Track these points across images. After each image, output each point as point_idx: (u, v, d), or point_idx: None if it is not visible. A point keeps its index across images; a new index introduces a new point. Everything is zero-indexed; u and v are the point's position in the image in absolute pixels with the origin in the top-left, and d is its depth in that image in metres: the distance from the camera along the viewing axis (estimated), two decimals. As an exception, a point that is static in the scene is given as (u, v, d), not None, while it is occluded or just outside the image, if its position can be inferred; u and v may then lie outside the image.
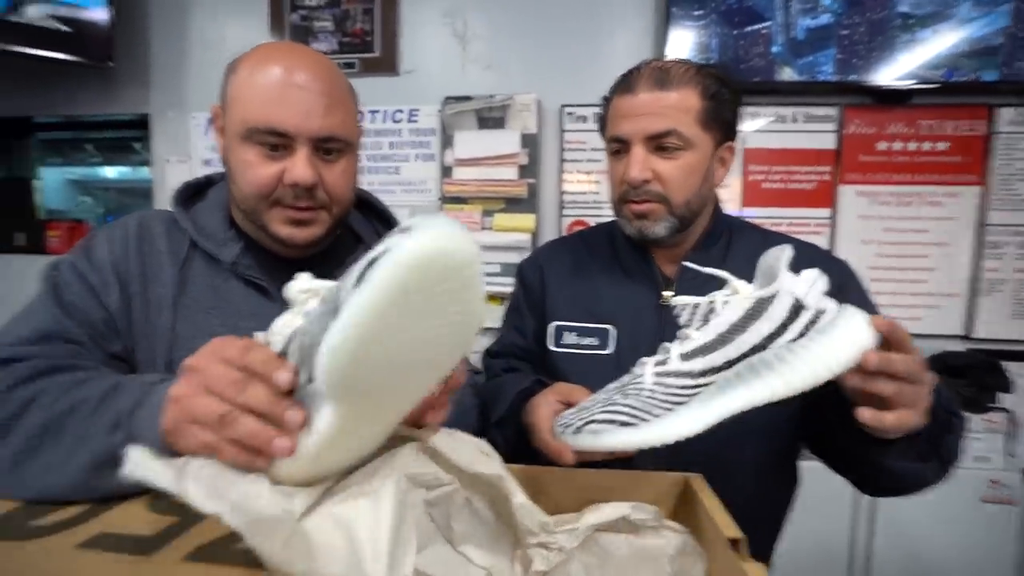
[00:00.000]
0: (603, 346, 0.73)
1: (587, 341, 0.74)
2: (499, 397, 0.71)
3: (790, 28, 1.56)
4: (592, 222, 1.72)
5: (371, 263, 0.27)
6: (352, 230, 0.72)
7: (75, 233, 1.97)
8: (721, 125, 0.70)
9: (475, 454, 0.41)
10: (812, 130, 1.64)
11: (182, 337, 0.59)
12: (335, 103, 0.58)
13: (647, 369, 0.47)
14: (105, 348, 0.58)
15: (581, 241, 0.85)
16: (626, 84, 0.71)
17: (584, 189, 1.73)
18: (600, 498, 0.48)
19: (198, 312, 0.61)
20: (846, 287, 0.69)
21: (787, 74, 1.58)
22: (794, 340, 0.45)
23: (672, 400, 0.45)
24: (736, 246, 0.75)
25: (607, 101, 0.76)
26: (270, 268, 0.63)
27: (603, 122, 0.77)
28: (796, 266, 0.60)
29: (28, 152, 2.00)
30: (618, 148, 0.71)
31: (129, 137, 1.94)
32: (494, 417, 0.70)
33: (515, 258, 1.71)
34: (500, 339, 0.87)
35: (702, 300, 0.47)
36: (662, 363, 0.47)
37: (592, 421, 0.48)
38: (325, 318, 0.30)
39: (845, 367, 0.44)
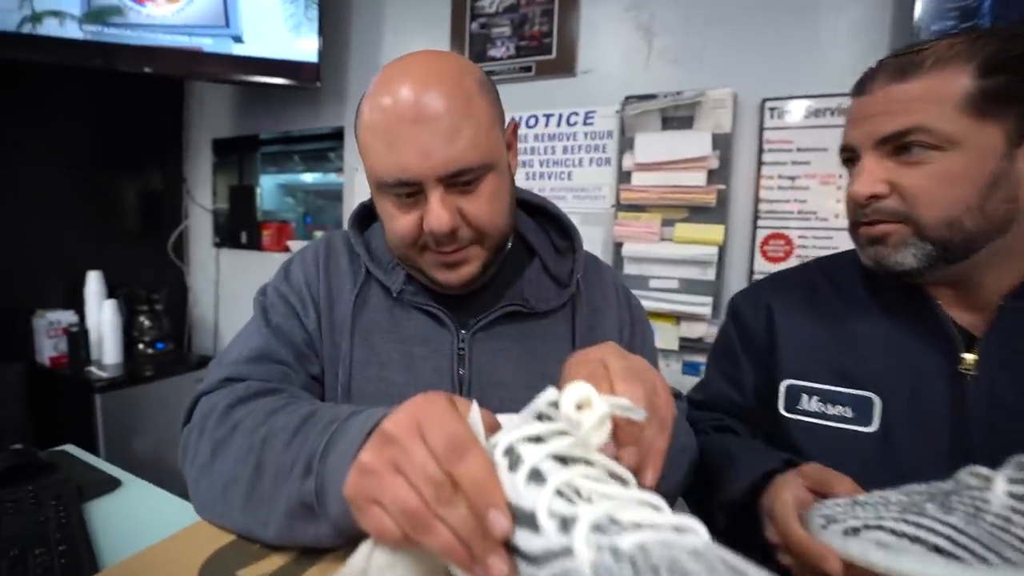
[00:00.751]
0: (863, 421, 0.57)
1: (837, 411, 0.58)
2: (729, 469, 0.56)
3: None
4: (794, 237, 1.46)
5: None
6: (525, 240, 0.66)
7: (282, 232, 2.25)
8: (1018, 106, 0.49)
9: None
10: None
11: (358, 362, 0.58)
12: (456, 127, 0.49)
13: (998, 486, 0.33)
14: (307, 369, 0.58)
15: (821, 273, 0.67)
16: (860, 82, 0.56)
17: (785, 197, 1.47)
18: None
19: (374, 335, 0.59)
20: None
21: None
22: None
23: None
24: None
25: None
26: (438, 296, 0.60)
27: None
28: None
29: (255, 164, 2.33)
30: (848, 160, 0.57)
31: (327, 148, 2.16)
32: (722, 495, 0.56)
33: (698, 274, 1.52)
34: (706, 386, 0.73)
35: None
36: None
37: (880, 527, 0.34)
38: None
39: None
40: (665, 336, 1.55)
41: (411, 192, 0.51)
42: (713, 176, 1.50)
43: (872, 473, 0.53)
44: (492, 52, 1.82)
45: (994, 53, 0.49)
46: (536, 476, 0.28)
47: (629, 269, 1.61)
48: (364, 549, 0.33)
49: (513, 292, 0.61)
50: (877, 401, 0.56)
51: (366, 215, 0.66)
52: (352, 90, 2.10)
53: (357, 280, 0.61)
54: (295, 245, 2.20)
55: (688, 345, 1.55)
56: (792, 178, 1.46)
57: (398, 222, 0.53)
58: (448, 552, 0.29)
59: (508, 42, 1.80)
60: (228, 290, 2.43)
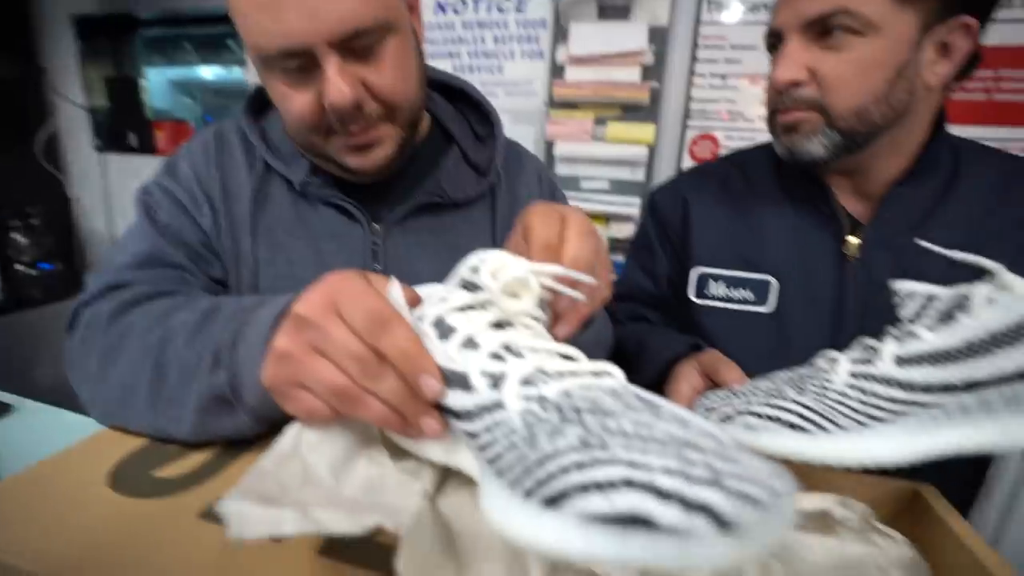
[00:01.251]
0: (760, 301, 0.60)
1: (739, 294, 0.61)
2: (642, 355, 0.58)
3: None
4: (722, 137, 1.48)
5: (637, 519, 0.16)
6: (442, 126, 0.61)
7: (179, 133, 1.99)
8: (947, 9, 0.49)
9: None
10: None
11: (263, 261, 0.54)
12: None
13: (840, 366, 0.36)
14: (206, 272, 0.53)
15: (735, 167, 0.68)
16: None
17: (716, 96, 1.46)
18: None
19: (278, 233, 0.55)
20: None
21: None
22: None
23: (869, 413, 0.33)
24: (966, 180, 0.55)
25: None
26: (348, 182, 0.54)
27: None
28: None
29: (134, 51, 1.99)
30: (773, 45, 0.55)
31: (224, 34, 1.87)
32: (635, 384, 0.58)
33: (627, 175, 1.52)
34: (625, 279, 0.74)
35: (944, 291, 0.34)
36: (864, 362, 0.35)
37: (749, 412, 0.37)
38: (526, 479, 0.20)
39: None
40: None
41: (301, 64, 0.44)
42: (647, 72, 1.46)
43: (768, 351, 0.58)
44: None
45: None
46: (470, 342, 0.28)
47: (561, 169, 1.57)
48: (292, 431, 0.31)
49: (430, 182, 0.57)
50: (774, 283, 0.59)
51: (261, 100, 0.58)
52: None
53: (255, 173, 0.55)
54: (195, 147, 1.96)
55: (617, 246, 1.58)
56: (723, 76, 1.45)
57: (293, 102, 0.46)
58: (382, 421, 0.29)
59: (430, -91, 1.58)
60: (121, 200, 2.16)
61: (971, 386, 0.31)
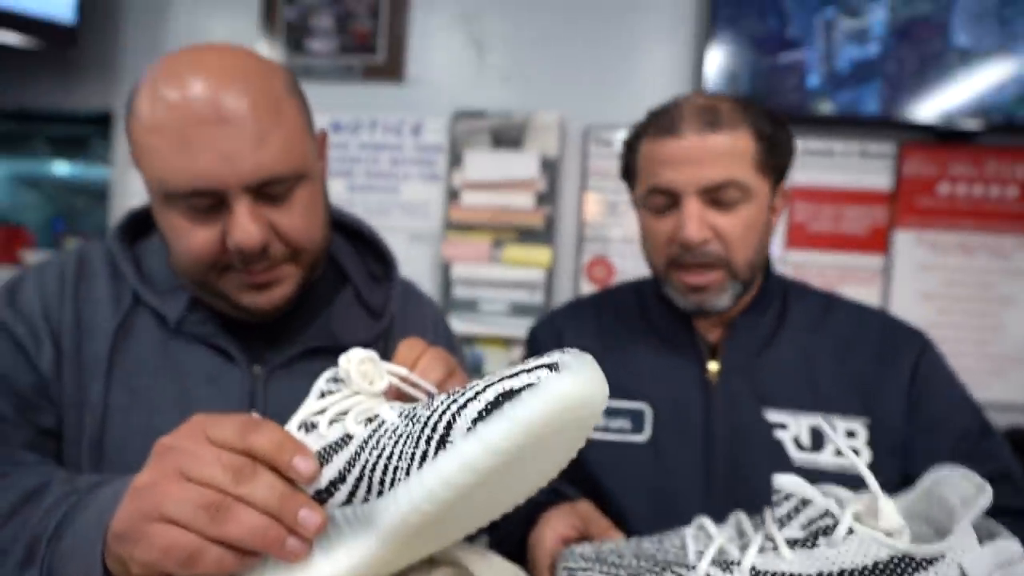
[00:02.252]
0: (636, 430, 0.63)
1: (617, 424, 0.63)
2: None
3: (831, 59, 1.40)
4: (615, 261, 1.52)
5: (503, 396, 0.25)
6: (337, 264, 0.60)
7: (13, 238, 1.70)
8: (775, 169, 0.61)
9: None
10: (866, 168, 1.47)
11: (116, 409, 0.49)
12: (264, 131, 0.44)
13: (703, 563, 0.36)
14: (35, 422, 0.48)
15: (606, 303, 0.75)
16: (667, 124, 0.59)
17: (608, 222, 1.52)
18: None
19: (141, 376, 0.50)
20: (932, 371, 0.63)
21: (826, 109, 1.42)
22: None
23: None
24: (793, 311, 0.66)
25: (632, 143, 0.64)
26: (229, 322, 0.52)
27: (629, 168, 0.65)
28: (876, 334, 0.64)
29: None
30: (663, 203, 0.59)
31: (87, 134, 1.70)
32: (500, 531, 0.55)
33: (526, 297, 1.50)
34: None
35: (818, 501, 0.34)
36: (725, 566, 0.35)
37: None
38: (420, 445, 0.27)
39: None
40: (495, 361, 1.49)
41: (209, 204, 0.44)
42: (541, 199, 1.50)
43: (645, 479, 0.61)
44: (312, 44, 1.61)
45: (762, 124, 0.59)
46: (332, 422, 0.32)
47: (459, 292, 1.52)
48: None
49: (319, 324, 0.55)
50: (648, 411, 0.63)
51: (137, 225, 0.56)
52: (125, 67, 1.68)
53: (121, 308, 0.51)
54: (33, 257, 1.66)
55: (520, 370, 1.51)
56: (614, 205, 1.52)
57: (192, 238, 0.45)
58: (258, 535, 0.28)
59: (330, 38, 1.62)
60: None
61: None
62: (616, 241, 1.52)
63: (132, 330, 0.51)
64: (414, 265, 1.55)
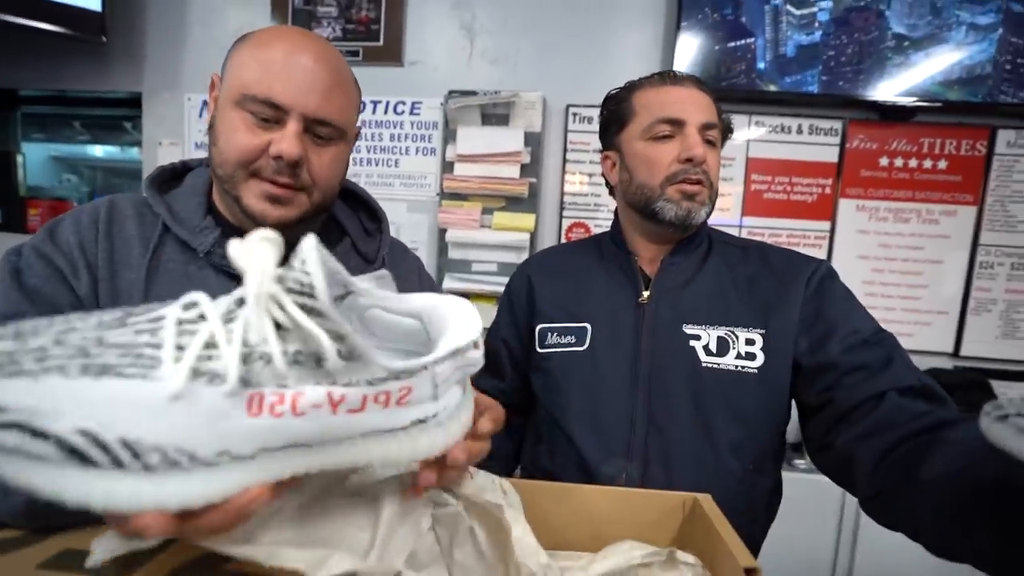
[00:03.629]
0: (579, 343, 0.75)
1: (566, 339, 0.76)
2: None
3: (779, 44, 1.56)
4: (592, 225, 1.71)
5: None
6: (338, 222, 0.70)
7: (57, 212, 1.90)
8: (723, 135, 0.76)
9: (485, 483, 0.40)
10: (816, 142, 1.64)
11: None
12: (336, 89, 0.57)
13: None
14: None
15: (568, 249, 0.89)
16: (669, 77, 0.74)
17: (585, 191, 1.71)
18: (602, 518, 0.47)
19: (170, 299, 0.57)
20: (824, 287, 0.71)
21: (772, 89, 1.59)
22: None
23: None
24: (715, 253, 0.77)
25: (624, 95, 0.77)
26: None
27: (619, 115, 0.77)
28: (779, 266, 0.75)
29: (12, 126, 1.93)
30: (668, 132, 0.72)
31: (120, 116, 1.88)
32: None
33: (513, 258, 1.69)
34: (487, 340, 0.86)
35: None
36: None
37: None
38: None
39: None
40: (485, 316, 1.69)
41: (269, 117, 0.54)
42: (525, 170, 1.68)
43: (583, 380, 0.73)
44: (318, 31, 1.77)
45: (717, 104, 0.75)
46: None
47: (453, 254, 1.72)
48: None
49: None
50: (589, 328, 0.75)
51: (167, 179, 0.64)
52: (150, 53, 1.86)
53: (149, 244, 0.58)
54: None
55: (507, 322, 1.72)
56: (590, 175, 1.71)
57: (243, 137, 0.55)
58: None
59: (335, 23, 1.78)
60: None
61: None
62: (593, 207, 1.71)
63: (160, 261, 0.58)
64: (413, 231, 1.75)
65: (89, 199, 1.92)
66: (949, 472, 0.46)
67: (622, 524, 0.48)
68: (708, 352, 0.69)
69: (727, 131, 0.77)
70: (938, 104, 1.54)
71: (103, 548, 0.28)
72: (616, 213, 0.83)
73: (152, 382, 0.24)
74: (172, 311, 0.27)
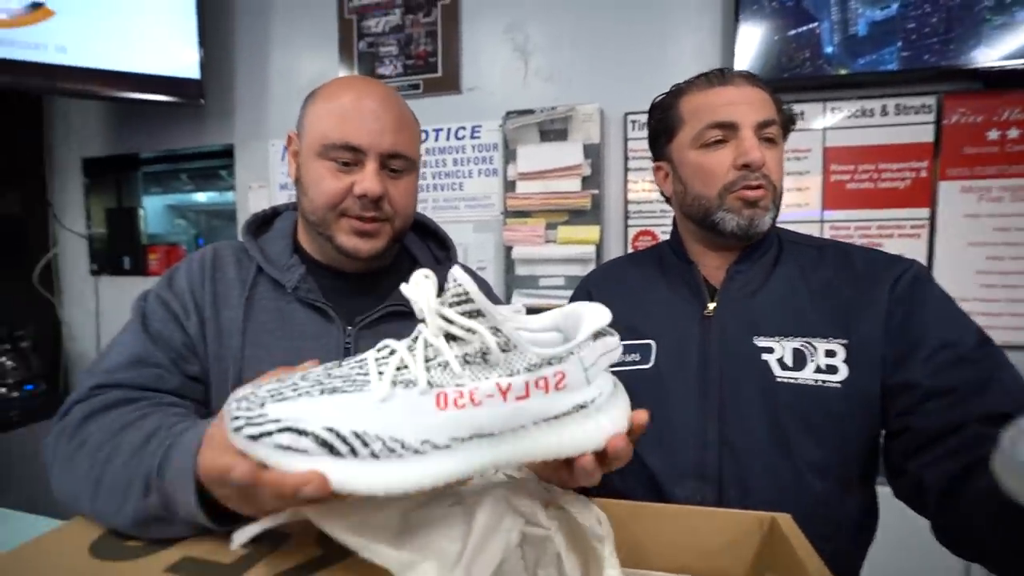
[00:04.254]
0: (644, 361, 0.71)
1: (630, 357, 0.72)
2: None
3: (848, 25, 1.44)
4: (659, 232, 1.67)
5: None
6: (409, 252, 0.74)
7: (171, 255, 2.15)
8: (784, 128, 0.72)
9: (582, 507, 0.40)
10: (905, 123, 1.49)
11: (250, 359, 0.62)
12: (403, 125, 0.63)
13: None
14: (185, 371, 0.61)
15: (629, 262, 0.86)
16: (717, 77, 0.70)
17: (650, 198, 1.67)
18: (675, 539, 0.46)
19: (264, 334, 0.63)
20: (912, 290, 0.65)
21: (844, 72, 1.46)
22: None
23: None
24: (786, 257, 0.72)
25: (671, 101, 0.74)
26: (329, 290, 0.67)
27: (667, 123, 0.74)
28: (861, 268, 0.69)
29: (135, 184, 2.21)
30: (720, 137, 0.68)
31: (217, 166, 2.11)
32: None
33: (579, 271, 1.68)
34: None
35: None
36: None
37: None
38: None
39: None
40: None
41: (349, 160, 0.61)
42: (587, 182, 1.67)
43: (648, 399, 0.68)
44: (381, 70, 1.89)
45: (775, 97, 0.71)
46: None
47: (520, 270, 1.73)
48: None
49: (396, 294, 0.66)
50: (654, 345, 0.72)
51: (260, 224, 0.72)
52: (239, 107, 2.07)
53: (246, 285, 0.65)
54: (185, 267, 2.11)
55: (578, 336, 1.70)
56: (654, 182, 1.66)
57: (330, 183, 0.61)
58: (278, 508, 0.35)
59: (396, 60, 1.88)
60: (112, 319, 2.27)
61: None
62: (658, 214, 1.66)
63: (255, 300, 0.64)
64: (480, 251, 1.79)
65: (195, 240, 2.15)
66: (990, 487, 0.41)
67: (696, 545, 0.46)
68: (783, 366, 0.64)
69: (790, 123, 0.72)
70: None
71: (243, 534, 0.34)
72: (675, 222, 0.80)
73: (366, 393, 0.33)
74: (370, 354, 0.36)
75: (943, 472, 0.52)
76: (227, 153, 2.08)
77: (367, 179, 0.60)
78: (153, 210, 2.22)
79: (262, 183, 2.04)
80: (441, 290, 0.35)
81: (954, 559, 0.54)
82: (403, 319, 0.67)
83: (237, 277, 0.66)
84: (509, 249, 1.73)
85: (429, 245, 0.77)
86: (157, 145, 2.16)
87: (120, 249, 2.22)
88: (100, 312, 2.27)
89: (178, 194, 2.19)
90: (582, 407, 0.35)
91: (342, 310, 0.65)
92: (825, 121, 1.54)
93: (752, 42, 1.52)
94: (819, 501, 0.61)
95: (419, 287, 0.35)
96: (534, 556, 0.39)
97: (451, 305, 0.34)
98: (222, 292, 0.64)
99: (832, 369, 0.63)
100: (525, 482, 0.42)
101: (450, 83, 1.83)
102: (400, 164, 0.63)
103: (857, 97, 1.52)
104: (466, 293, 0.33)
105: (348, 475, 0.31)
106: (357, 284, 0.69)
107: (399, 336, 0.67)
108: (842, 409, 0.62)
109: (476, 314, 0.33)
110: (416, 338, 0.35)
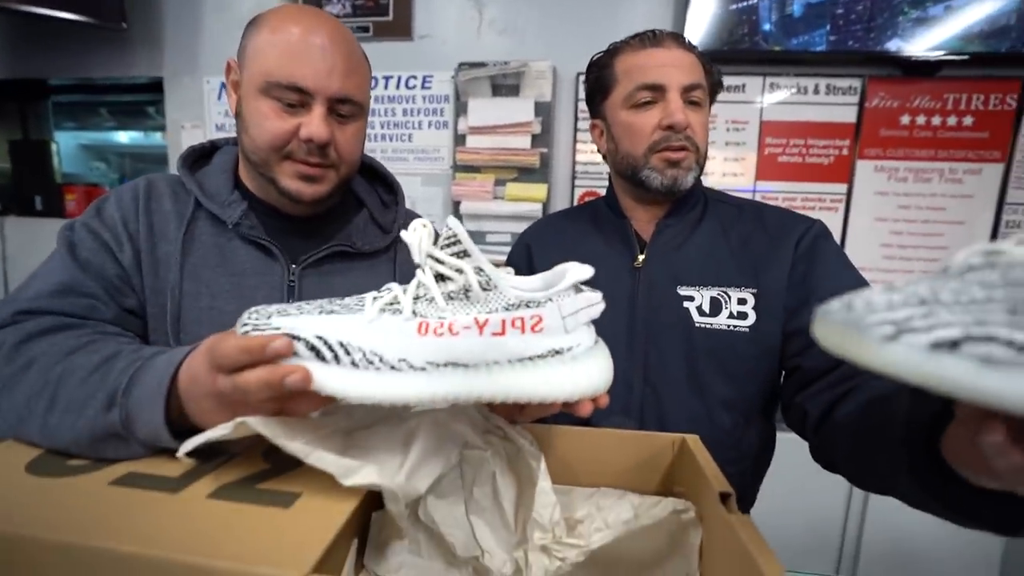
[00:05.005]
0: None
1: None
2: None
3: (785, 4, 1.51)
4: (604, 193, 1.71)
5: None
6: (355, 194, 0.73)
7: (91, 196, 1.99)
8: (711, 94, 0.75)
9: (520, 432, 0.44)
10: (833, 102, 1.60)
11: (188, 294, 0.61)
12: (353, 67, 0.60)
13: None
14: (120, 303, 0.59)
15: (566, 217, 0.89)
16: (649, 39, 0.73)
17: (597, 159, 1.70)
18: (601, 457, 0.51)
19: (204, 269, 0.62)
20: (815, 246, 0.71)
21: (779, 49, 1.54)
22: None
23: None
24: (710, 214, 0.77)
25: (606, 60, 0.76)
26: (272, 228, 0.65)
27: (601, 81, 0.77)
28: (772, 225, 0.73)
29: (45, 115, 2.01)
30: (649, 98, 0.71)
31: (143, 101, 1.94)
32: None
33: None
34: None
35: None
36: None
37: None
38: None
39: None
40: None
41: (295, 102, 0.58)
42: (536, 140, 1.69)
43: None
44: (328, 8, 1.79)
45: (705, 61, 0.74)
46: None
47: (468, 225, 1.74)
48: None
49: (342, 235, 0.67)
50: None
51: (197, 157, 0.68)
52: (169, 34, 1.90)
53: (183, 219, 0.62)
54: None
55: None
56: (602, 145, 1.70)
57: (273, 123, 0.58)
58: (266, 407, 0.38)
59: (344, 1, 1.79)
60: (22, 266, 2.09)
61: None
62: (605, 176, 1.71)
63: (195, 234, 0.62)
64: (429, 204, 1.78)
65: (119, 182, 2.00)
66: (859, 405, 0.54)
67: (616, 463, 0.51)
68: (701, 313, 0.70)
69: (718, 87, 0.76)
70: (965, 57, 1.48)
71: (189, 443, 0.37)
72: (610, 178, 0.84)
73: (357, 314, 0.37)
74: (369, 295, 0.40)
75: (820, 402, 0.61)
76: (156, 87, 1.92)
77: (313, 124, 0.57)
78: (67, 147, 2.03)
79: (196, 123, 1.90)
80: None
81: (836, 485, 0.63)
82: (349, 259, 0.67)
83: (174, 210, 0.63)
84: (457, 204, 1.73)
85: (376, 188, 0.76)
86: (70, 71, 1.96)
87: (29, 187, 2.03)
88: (6, 255, 2.08)
89: (97, 131, 2.01)
90: (557, 352, 0.37)
91: (286, 248, 0.64)
92: (764, 96, 1.62)
93: (704, 13, 1.56)
94: (725, 432, 0.70)
95: (415, 232, 0.38)
96: (471, 474, 0.43)
97: (443, 248, 0.37)
98: (158, 224, 0.62)
99: (742, 315, 0.69)
100: (466, 408, 0.44)
101: (401, 28, 1.76)
102: (348, 109, 0.60)
103: (794, 74, 1.60)
104: (455, 235, 0.37)
105: (328, 376, 0.35)
106: (302, 225, 0.68)
107: (345, 276, 0.69)
108: (749, 351, 0.69)
109: (463, 255, 0.37)
110: (407, 283, 0.39)
